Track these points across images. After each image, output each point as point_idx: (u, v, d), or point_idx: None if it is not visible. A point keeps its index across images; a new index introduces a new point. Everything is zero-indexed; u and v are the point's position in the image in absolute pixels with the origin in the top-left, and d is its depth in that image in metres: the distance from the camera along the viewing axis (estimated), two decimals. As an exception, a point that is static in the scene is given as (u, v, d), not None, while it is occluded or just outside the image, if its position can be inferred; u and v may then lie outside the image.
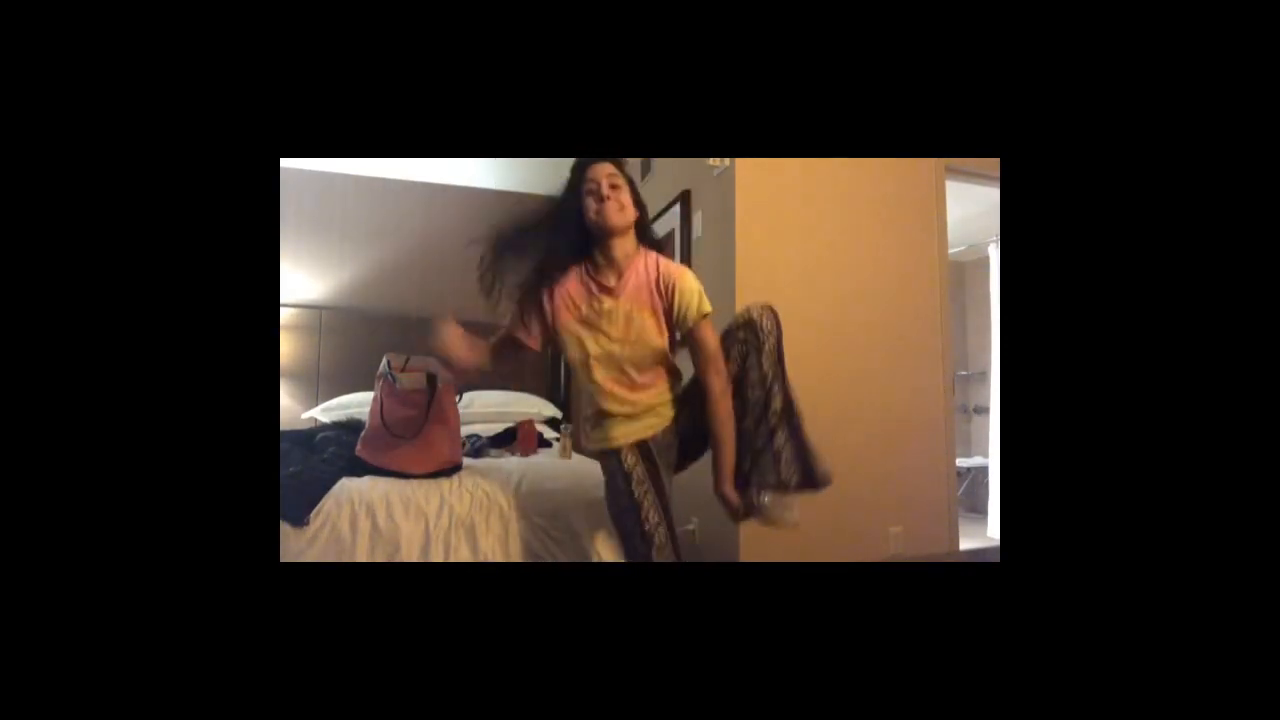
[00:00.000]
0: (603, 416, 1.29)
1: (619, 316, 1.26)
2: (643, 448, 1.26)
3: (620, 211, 1.23)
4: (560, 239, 1.27)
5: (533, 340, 1.33)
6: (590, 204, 1.23)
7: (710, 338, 1.25)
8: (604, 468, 1.31)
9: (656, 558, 1.20)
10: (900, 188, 2.43)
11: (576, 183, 1.27)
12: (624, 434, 1.27)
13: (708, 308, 1.25)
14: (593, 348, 1.27)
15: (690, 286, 1.25)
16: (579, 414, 1.36)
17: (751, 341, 1.24)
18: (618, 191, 1.24)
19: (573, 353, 1.30)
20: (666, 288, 1.25)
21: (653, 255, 1.29)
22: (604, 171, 1.24)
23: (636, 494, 1.22)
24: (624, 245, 1.27)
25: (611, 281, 1.27)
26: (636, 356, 1.26)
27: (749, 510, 1.25)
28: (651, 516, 1.20)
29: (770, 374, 1.24)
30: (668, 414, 1.31)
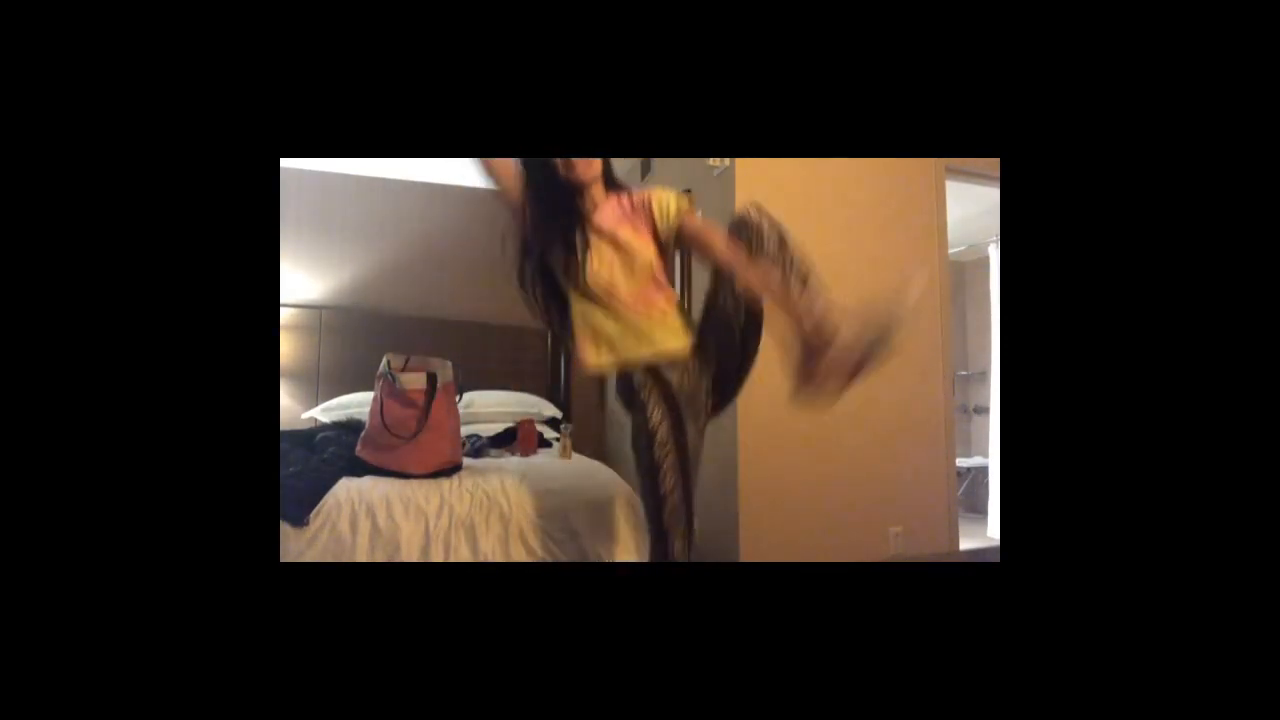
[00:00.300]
0: (612, 335, 1.30)
1: (605, 240, 1.29)
2: (669, 401, 1.25)
3: (588, 166, 1.29)
4: (539, 205, 1.33)
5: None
6: (558, 164, 1.28)
7: (700, 222, 1.30)
8: (632, 422, 1.30)
9: (668, 521, 1.20)
10: (900, 188, 2.43)
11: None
12: (635, 352, 1.28)
13: (685, 203, 1.30)
14: (588, 277, 1.29)
15: (662, 193, 1.32)
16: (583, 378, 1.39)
17: (757, 243, 1.26)
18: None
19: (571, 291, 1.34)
20: (642, 205, 1.31)
21: (621, 193, 1.35)
22: None
23: (658, 455, 1.21)
24: (596, 194, 1.32)
25: (590, 210, 1.32)
26: (627, 270, 1.29)
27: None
28: (668, 479, 1.20)
29: (786, 256, 1.28)
30: (682, 340, 1.30)
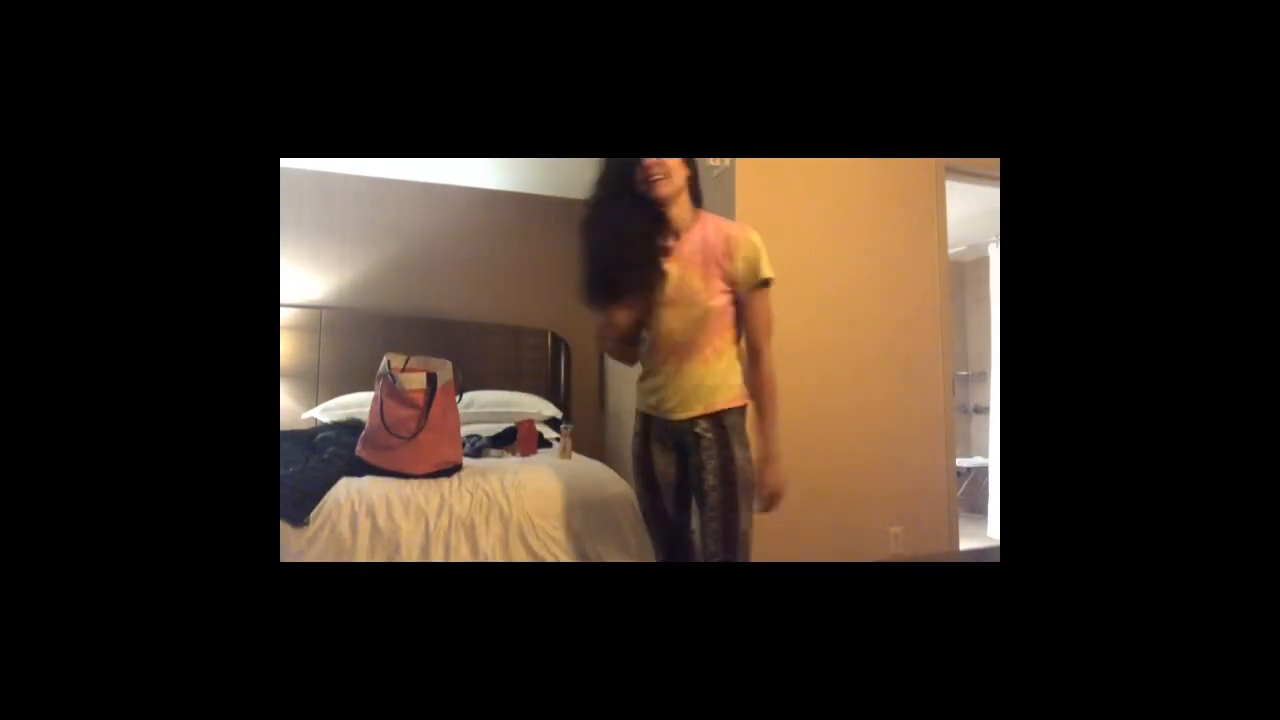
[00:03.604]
0: (662, 383, 1.28)
1: (670, 278, 1.25)
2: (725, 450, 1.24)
3: (666, 180, 1.22)
4: (620, 211, 1.25)
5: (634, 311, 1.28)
6: (638, 174, 1.22)
7: (762, 306, 1.25)
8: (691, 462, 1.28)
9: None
10: (900, 188, 2.43)
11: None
12: (682, 405, 1.25)
13: (768, 272, 1.22)
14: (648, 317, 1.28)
15: (750, 248, 1.22)
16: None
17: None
18: (661, 162, 1.22)
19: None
20: (730, 249, 1.22)
21: (714, 219, 1.28)
22: None
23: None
24: (679, 211, 1.25)
25: (670, 242, 1.26)
26: (683, 320, 1.24)
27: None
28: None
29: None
30: (733, 393, 1.26)
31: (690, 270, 1.23)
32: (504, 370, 3.13)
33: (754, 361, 1.26)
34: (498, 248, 3.32)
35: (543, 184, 3.30)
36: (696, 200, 1.29)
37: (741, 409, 1.25)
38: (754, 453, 1.25)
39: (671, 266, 1.25)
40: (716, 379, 1.24)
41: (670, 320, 1.25)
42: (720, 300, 1.23)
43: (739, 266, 1.22)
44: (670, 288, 1.24)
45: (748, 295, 1.24)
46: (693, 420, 1.24)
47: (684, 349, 1.24)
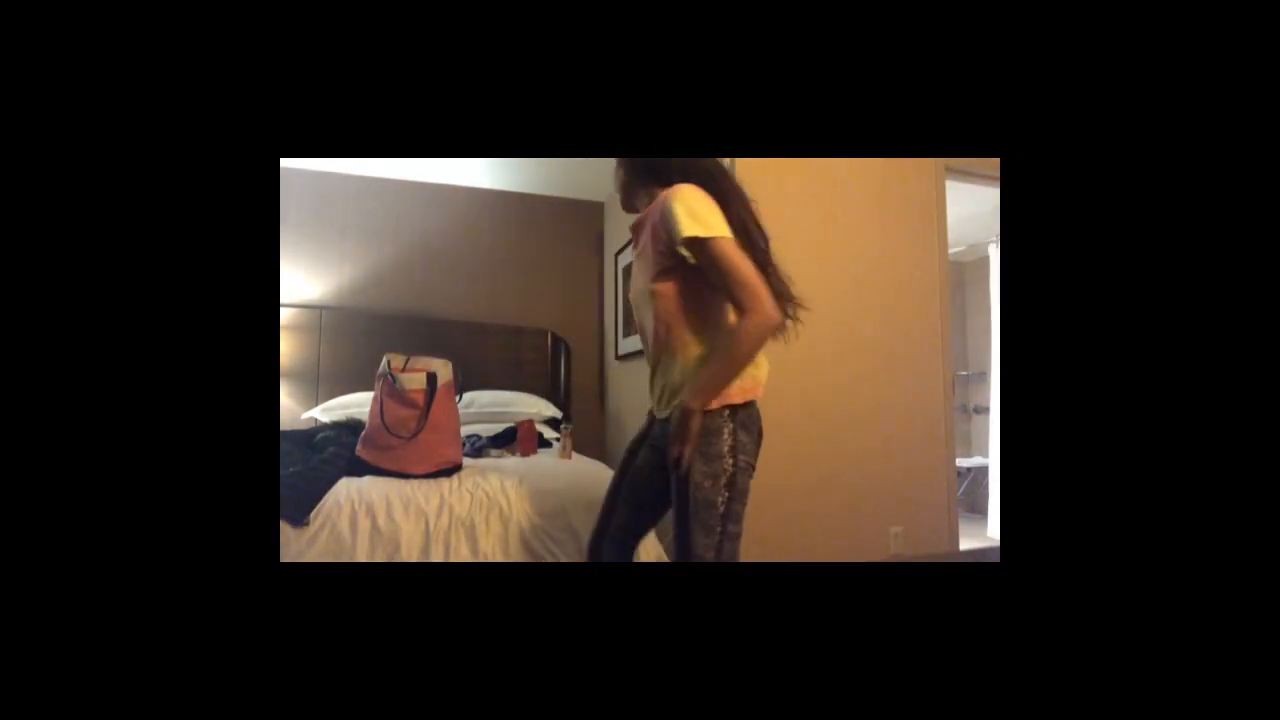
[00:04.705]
0: (652, 379, 1.21)
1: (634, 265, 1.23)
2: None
3: (622, 199, 1.28)
4: None
5: None
6: None
7: (715, 264, 1.02)
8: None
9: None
10: (900, 188, 2.43)
11: None
12: (661, 403, 1.17)
13: (689, 230, 1.02)
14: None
15: (665, 209, 1.06)
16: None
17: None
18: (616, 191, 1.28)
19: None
20: (659, 216, 1.08)
21: (665, 191, 1.11)
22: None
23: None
24: (640, 206, 1.23)
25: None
26: (639, 307, 1.19)
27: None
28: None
29: None
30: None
31: (639, 251, 1.18)
32: (504, 370, 3.14)
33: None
34: (498, 248, 3.32)
35: (542, 184, 3.31)
36: (646, 183, 1.19)
37: (720, 412, 1.06)
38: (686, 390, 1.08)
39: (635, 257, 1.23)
40: (682, 377, 1.11)
41: (636, 309, 1.22)
42: (663, 282, 1.10)
43: (665, 232, 1.06)
44: (633, 275, 1.23)
45: (695, 259, 1.05)
46: (667, 420, 1.12)
47: (655, 341, 1.16)
